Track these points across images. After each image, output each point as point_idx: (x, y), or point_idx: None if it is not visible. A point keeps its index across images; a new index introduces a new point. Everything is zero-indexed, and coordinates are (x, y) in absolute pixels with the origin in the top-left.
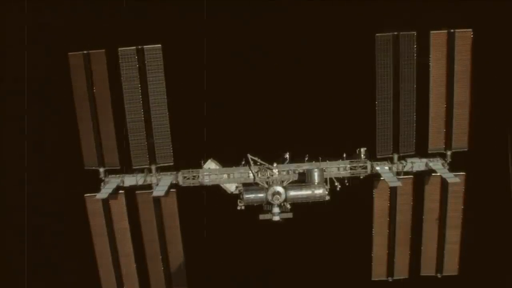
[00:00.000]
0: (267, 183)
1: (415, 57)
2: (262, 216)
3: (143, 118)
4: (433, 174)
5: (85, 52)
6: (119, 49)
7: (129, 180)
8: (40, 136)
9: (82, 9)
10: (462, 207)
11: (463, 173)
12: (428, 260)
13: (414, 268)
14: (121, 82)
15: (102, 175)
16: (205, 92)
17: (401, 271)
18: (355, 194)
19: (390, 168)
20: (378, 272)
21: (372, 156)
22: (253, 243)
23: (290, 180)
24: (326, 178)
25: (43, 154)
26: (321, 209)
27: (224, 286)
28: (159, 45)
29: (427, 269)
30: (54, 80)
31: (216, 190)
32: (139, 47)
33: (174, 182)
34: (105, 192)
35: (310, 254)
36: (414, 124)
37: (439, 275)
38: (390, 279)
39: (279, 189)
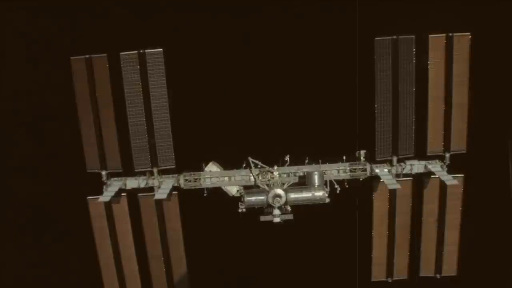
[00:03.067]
0: (267, 185)
1: (414, 61)
2: (263, 218)
3: (145, 122)
4: (432, 176)
5: (87, 56)
6: (121, 53)
7: (131, 183)
8: (42, 139)
9: (84, 14)
10: (461, 208)
11: (462, 175)
12: (427, 261)
13: (413, 269)
14: (123, 86)
15: (104, 178)
16: (206, 95)
17: (401, 272)
18: (354, 196)
19: (389, 171)
20: (378, 273)
21: (371, 158)
22: (254, 245)
23: (291, 183)
24: (326, 181)
25: (45, 156)
26: (321, 211)
27: (225, 287)
28: (161, 49)
29: (426, 270)
30: (56, 84)
31: (218, 192)
32: (141, 51)
33: (175, 184)
34: (107, 195)
35: (310, 255)
36: (413, 127)
37: (438, 276)
38: (389, 279)
39: (280, 192)
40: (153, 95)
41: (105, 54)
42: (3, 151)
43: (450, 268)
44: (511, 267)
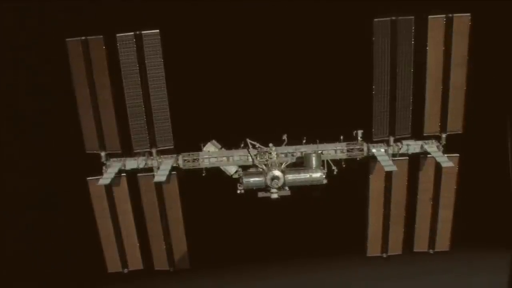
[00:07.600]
0: (265, 165)
1: (412, 42)
2: (260, 194)
3: (142, 103)
4: (428, 156)
5: (83, 38)
6: (117, 35)
7: (131, 164)
8: (42, 122)
9: None
10: (455, 187)
11: (457, 155)
12: (421, 237)
13: (407, 245)
14: (120, 67)
15: (103, 159)
16: (204, 76)
17: (395, 248)
18: (351, 175)
19: (386, 151)
20: (373, 249)
21: (368, 138)
22: (253, 224)
23: (288, 162)
24: (323, 161)
25: (45, 138)
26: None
27: (224, 263)
28: (157, 30)
29: (420, 245)
30: (54, 65)
31: (217, 172)
32: (137, 32)
33: (174, 165)
34: (107, 177)
35: (308, 233)
36: (411, 107)
37: (431, 251)
38: (384, 255)
39: (278, 173)
40: (151, 76)
41: (101, 36)
42: (2, 134)
43: (443, 243)
44: (503, 243)
